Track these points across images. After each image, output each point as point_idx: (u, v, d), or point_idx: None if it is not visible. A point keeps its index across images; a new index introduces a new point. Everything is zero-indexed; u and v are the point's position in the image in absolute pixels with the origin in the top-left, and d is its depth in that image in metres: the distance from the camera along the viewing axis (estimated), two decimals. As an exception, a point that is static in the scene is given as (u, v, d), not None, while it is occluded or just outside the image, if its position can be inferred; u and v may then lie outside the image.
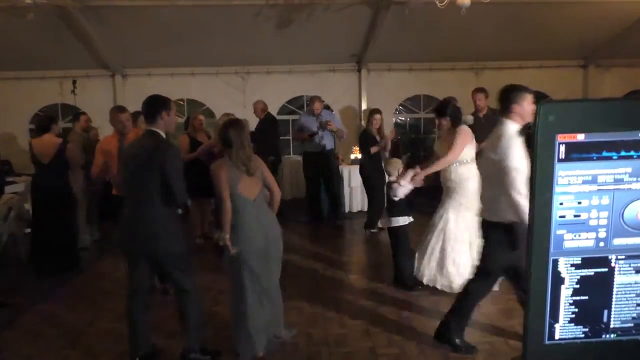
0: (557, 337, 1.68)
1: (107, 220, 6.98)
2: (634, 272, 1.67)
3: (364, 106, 9.20)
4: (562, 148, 1.55)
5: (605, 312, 1.68)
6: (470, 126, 6.59)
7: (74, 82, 8.39)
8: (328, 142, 7.23)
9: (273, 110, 9.35)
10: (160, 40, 7.94)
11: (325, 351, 3.49)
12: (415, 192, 4.64)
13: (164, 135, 3.21)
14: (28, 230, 6.52)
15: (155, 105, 3.18)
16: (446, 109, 4.48)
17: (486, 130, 6.09)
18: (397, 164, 4.63)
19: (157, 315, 3.67)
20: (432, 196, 4.99)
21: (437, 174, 4.58)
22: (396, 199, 4.46)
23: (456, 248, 4.39)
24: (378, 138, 6.54)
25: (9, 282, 5.11)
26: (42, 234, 5.45)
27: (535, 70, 9.29)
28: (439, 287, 4.45)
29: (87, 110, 8.13)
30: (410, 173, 4.42)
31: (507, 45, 8.59)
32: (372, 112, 6.75)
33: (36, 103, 9.09)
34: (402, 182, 4.38)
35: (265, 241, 3.31)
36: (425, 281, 4.54)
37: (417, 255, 4.63)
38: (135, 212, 3.17)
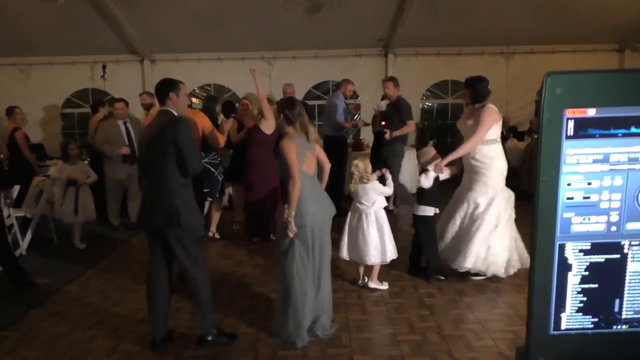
0: (563, 327, 1.58)
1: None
2: (648, 259, 1.55)
3: (390, 91, 9.03)
4: (571, 124, 1.43)
5: (617, 301, 1.57)
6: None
7: (104, 67, 8.55)
8: None
9: (299, 95, 9.30)
10: (188, 25, 8.01)
11: (346, 336, 3.45)
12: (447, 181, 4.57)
13: (175, 114, 3.30)
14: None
15: (164, 88, 3.33)
16: (474, 82, 4.33)
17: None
18: (429, 154, 4.46)
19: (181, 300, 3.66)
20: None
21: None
22: (425, 187, 4.37)
23: (483, 230, 4.26)
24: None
25: (39, 263, 5.25)
26: None
27: (568, 55, 8.99)
28: (466, 270, 4.32)
29: (116, 95, 8.28)
30: (434, 162, 4.31)
31: (538, 28, 8.29)
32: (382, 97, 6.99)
33: (68, 88, 9.30)
34: (429, 172, 4.30)
35: (322, 217, 3.35)
36: (448, 264, 4.43)
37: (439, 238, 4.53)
38: (153, 188, 3.22)
